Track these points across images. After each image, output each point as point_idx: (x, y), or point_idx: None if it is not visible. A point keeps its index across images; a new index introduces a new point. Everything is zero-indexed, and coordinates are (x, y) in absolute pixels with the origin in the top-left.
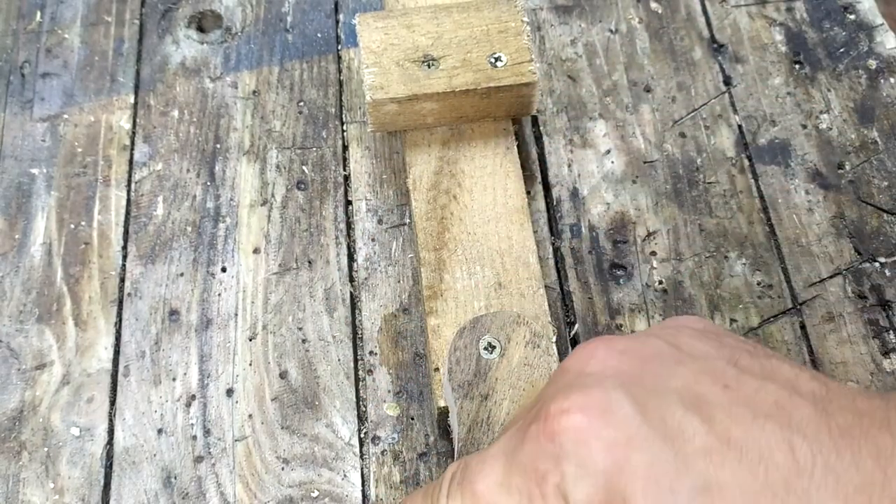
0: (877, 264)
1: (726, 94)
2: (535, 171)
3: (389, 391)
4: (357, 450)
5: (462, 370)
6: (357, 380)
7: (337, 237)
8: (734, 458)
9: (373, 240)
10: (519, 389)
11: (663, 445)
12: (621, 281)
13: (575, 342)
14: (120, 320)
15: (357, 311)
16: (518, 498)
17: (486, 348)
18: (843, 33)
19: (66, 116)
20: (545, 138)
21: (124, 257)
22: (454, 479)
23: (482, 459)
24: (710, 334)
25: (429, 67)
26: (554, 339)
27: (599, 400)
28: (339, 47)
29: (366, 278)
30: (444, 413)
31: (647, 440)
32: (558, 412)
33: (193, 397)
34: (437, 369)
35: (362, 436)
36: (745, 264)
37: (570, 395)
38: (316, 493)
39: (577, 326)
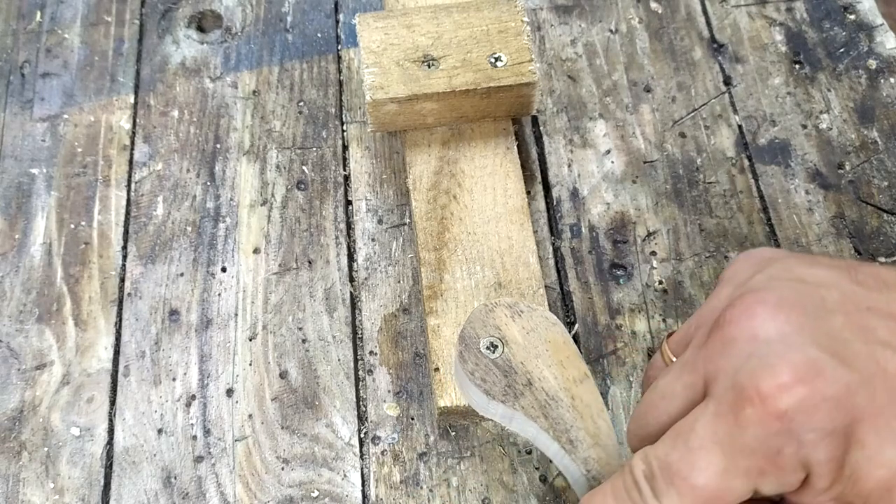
0: (877, 264)
1: (726, 94)
2: (535, 171)
3: (389, 391)
4: (357, 450)
5: (494, 382)
6: (357, 380)
7: (337, 237)
8: None
9: (373, 240)
10: (543, 353)
11: (871, 382)
12: (621, 281)
13: (575, 342)
14: (120, 320)
15: (357, 311)
16: (750, 478)
17: (488, 348)
18: (843, 33)
19: (66, 116)
20: (545, 138)
21: (124, 257)
22: (655, 479)
23: (687, 454)
24: (804, 259)
25: (429, 67)
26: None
27: (807, 365)
28: (339, 47)
29: (366, 278)
30: (444, 413)
31: (859, 384)
32: (776, 390)
33: (193, 397)
34: (437, 369)
35: (362, 436)
36: None
37: (777, 369)
38: (316, 493)
39: (576, 326)
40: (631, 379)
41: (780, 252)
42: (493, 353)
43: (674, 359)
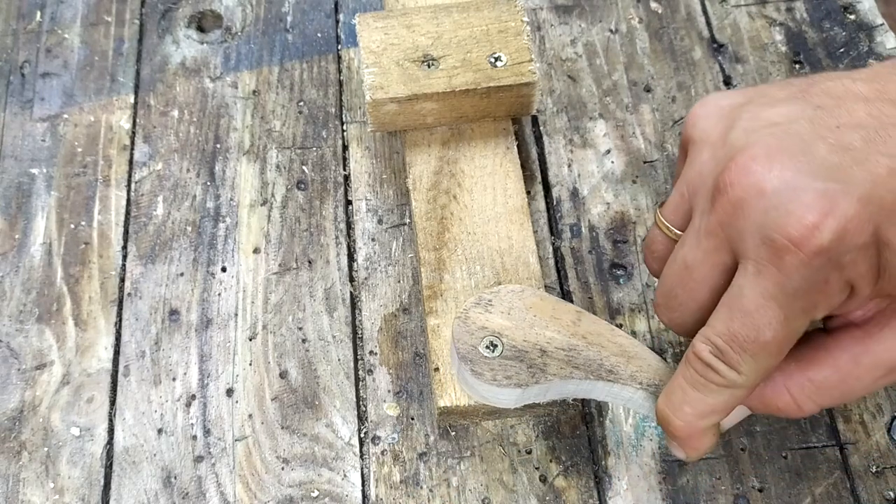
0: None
1: None
2: (535, 171)
3: (389, 391)
4: (357, 450)
5: (517, 372)
6: (357, 380)
7: (337, 237)
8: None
9: (373, 240)
10: (537, 321)
11: (875, 188)
12: (621, 281)
13: None
14: (120, 320)
15: (357, 311)
16: (808, 314)
17: (489, 349)
18: (843, 33)
19: (66, 116)
20: (545, 138)
21: (124, 257)
22: (726, 353)
23: (747, 319)
24: (763, 100)
25: (429, 67)
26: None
27: (821, 198)
28: (339, 47)
29: (366, 278)
30: (444, 413)
31: (868, 194)
32: (807, 231)
33: (193, 397)
34: (437, 369)
35: (362, 436)
36: None
37: (798, 213)
38: (316, 493)
39: None
40: None
41: (734, 96)
42: (496, 350)
43: (672, 229)
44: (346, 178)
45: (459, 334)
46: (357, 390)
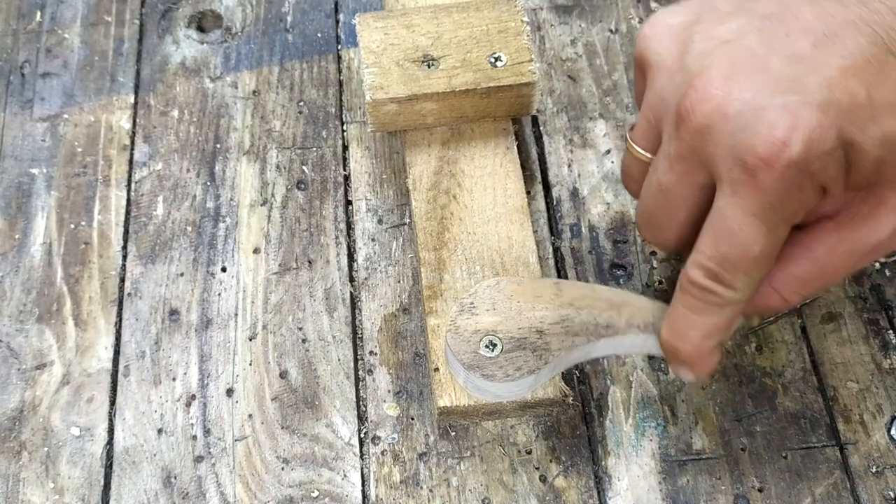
0: (877, 264)
1: None
2: (535, 171)
3: (389, 391)
4: (357, 450)
5: (525, 361)
6: (357, 380)
7: (337, 237)
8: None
9: (373, 240)
10: (523, 306)
11: (832, 90)
12: (621, 281)
13: None
14: (120, 320)
15: (357, 311)
16: (788, 222)
17: (489, 349)
18: None
19: (66, 116)
20: (545, 138)
21: (124, 257)
22: (719, 275)
23: (734, 239)
24: (712, 16)
25: (429, 67)
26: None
27: (783, 113)
28: (339, 47)
29: (366, 278)
30: (444, 413)
31: (827, 99)
32: (776, 148)
33: (193, 397)
34: (437, 369)
35: (362, 436)
36: None
37: (764, 131)
38: (316, 493)
39: None
40: (631, 378)
41: (682, 13)
42: (496, 349)
43: (644, 153)
44: (346, 178)
45: (456, 346)
46: (357, 390)
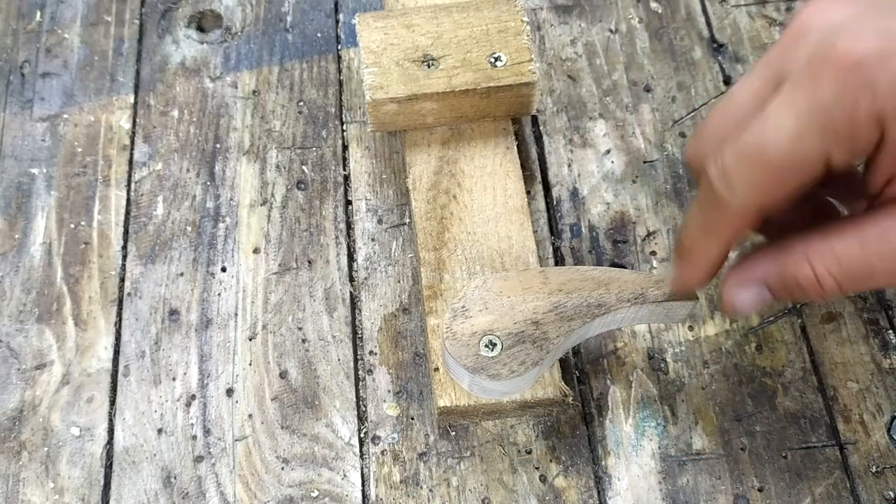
0: None
1: None
2: (534, 171)
3: (389, 391)
4: (357, 450)
5: (527, 354)
6: (357, 380)
7: (337, 237)
8: None
9: (373, 239)
10: (514, 300)
11: None
12: None
13: None
14: (120, 320)
15: (357, 311)
16: (824, 140)
17: (489, 349)
18: None
19: (66, 116)
20: (545, 138)
21: (124, 257)
22: (727, 172)
23: (759, 127)
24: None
25: (428, 67)
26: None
27: (880, 28)
28: (339, 47)
29: (366, 278)
30: (444, 413)
31: None
32: (851, 45)
33: (193, 397)
34: (436, 369)
35: (362, 436)
36: None
37: (852, 34)
38: (316, 493)
39: None
40: (631, 378)
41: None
42: (496, 347)
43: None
44: (346, 178)
45: (456, 351)
46: (357, 390)
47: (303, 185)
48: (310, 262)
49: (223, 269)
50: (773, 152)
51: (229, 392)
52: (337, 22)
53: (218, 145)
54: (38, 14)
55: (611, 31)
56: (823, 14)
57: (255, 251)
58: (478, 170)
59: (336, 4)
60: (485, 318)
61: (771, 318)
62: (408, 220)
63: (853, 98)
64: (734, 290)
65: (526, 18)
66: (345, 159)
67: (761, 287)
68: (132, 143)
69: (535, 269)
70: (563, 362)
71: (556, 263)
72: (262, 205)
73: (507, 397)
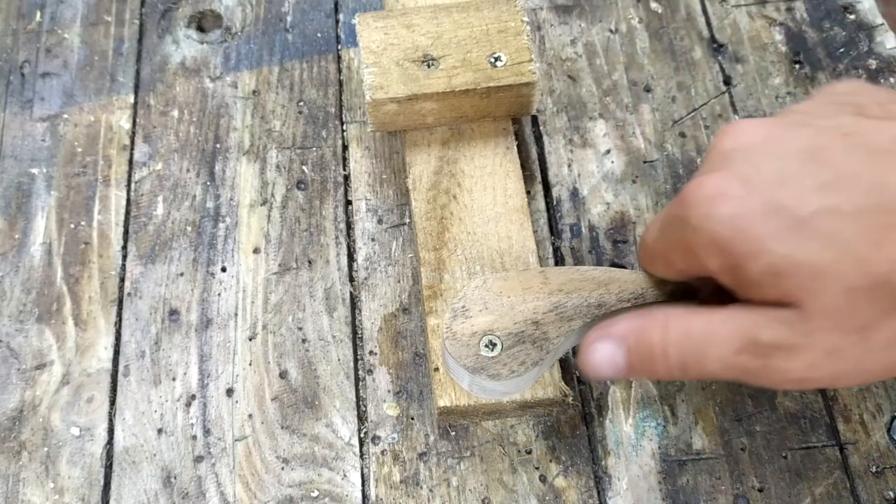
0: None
1: (726, 94)
2: (534, 171)
3: (389, 391)
4: (357, 450)
5: (527, 355)
6: (357, 380)
7: (337, 237)
8: (848, 186)
9: (373, 239)
10: (514, 300)
11: (776, 213)
12: None
13: None
14: (120, 320)
15: (357, 311)
16: (668, 249)
17: (489, 349)
18: (843, 33)
19: (66, 116)
20: (545, 138)
21: (124, 257)
22: (643, 244)
23: (650, 224)
24: (849, 93)
25: (428, 67)
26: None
27: (725, 180)
28: (339, 47)
29: (366, 278)
30: (444, 413)
31: (761, 211)
32: (695, 186)
33: (193, 397)
34: (436, 369)
35: (362, 436)
36: None
37: (704, 177)
38: (316, 493)
39: None
40: (631, 378)
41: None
42: (496, 348)
43: None
44: (346, 178)
45: (456, 351)
46: (357, 390)
47: (303, 185)
48: (310, 262)
49: (223, 269)
50: (646, 243)
51: (229, 392)
52: (337, 22)
53: (218, 145)
54: (38, 14)
55: (611, 31)
56: (725, 140)
57: (255, 251)
58: (478, 170)
59: (336, 4)
60: (485, 319)
61: None
62: (408, 220)
63: (676, 226)
64: (595, 343)
65: (526, 18)
66: (345, 159)
67: (619, 345)
68: (132, 143)
69: (536, 269)
70: (563, 362)
71: (556, 263)
72: (262, 205)
73: (507, 397)
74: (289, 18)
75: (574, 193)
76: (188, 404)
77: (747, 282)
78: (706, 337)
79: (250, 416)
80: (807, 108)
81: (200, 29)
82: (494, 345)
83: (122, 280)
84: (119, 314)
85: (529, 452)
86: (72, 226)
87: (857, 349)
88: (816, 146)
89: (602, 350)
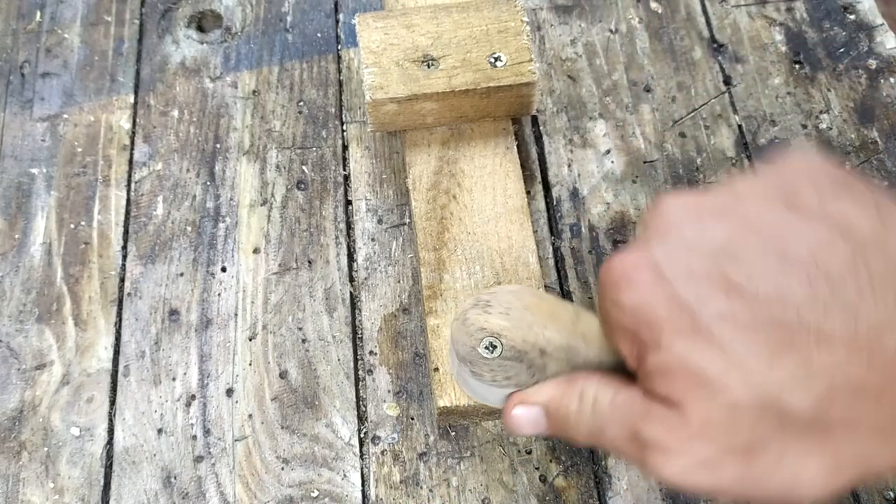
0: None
1: (726, 94)
2: (534, 171)
3: (389, 391)
4: (357, 450)
5: (517, 373)
6: (357, 380)
7: (337, 237)
8: (751, 294)
9: (373, 240)
10: (535, 320)
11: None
12: None
13: None
14: (120, 320)
15: (357, 311)
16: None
17: (488, 350)
18: (843, 33)
19: (66, 116)
20: (545, 138)
21: (124, 257)
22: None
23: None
24: (795, 176)
25: (428, 67)
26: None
27: (636, 264)
28: (339, 47)
29: (366, 278)
30: (444, 413)
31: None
32: (609, 263)
33: (193, 397)
34: (436, 369)
35: (362, 436)
36: None
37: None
38: (316, 493)
39: None
40: None
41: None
42: (495, 352)
43: None
44: (346, 178)
45: (458, 335)
46: (357, 390)
47: (303, 185)
48: (310, 263)
49: (223, 269)
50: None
51: (229, 392)
52: (337, 22)
53: (218, 145)
54: (38, 14)
55: (611, 31)
56: (651, 216)
57: (255, 251)
58: (478, 170)
59: (336, 4)
60: (500, 322)
61: None
62: (408, 220)
63: (606, 306)
64: (519, 406)
65: (526, 18)
66: (345, 159)
67: (541, 410)
68: (132, 143)
69: (573, 305)
70: None
71: (556, 263)
72: (262, 205)
73: (477, 399)
74: (289, 18)
75: (574, 193)
76: (188, 404)
77: (643, 371)
78: (605, 418)
79: (250, 416)
80: (742, 189)
81: (200, 29)
82: (495, 347)
83: (122, 280)
84: (119, 314)
85: (529, 452)
86: (72, 226)
87: (737, 467)
88: (732, 244)
89: (526, 413)
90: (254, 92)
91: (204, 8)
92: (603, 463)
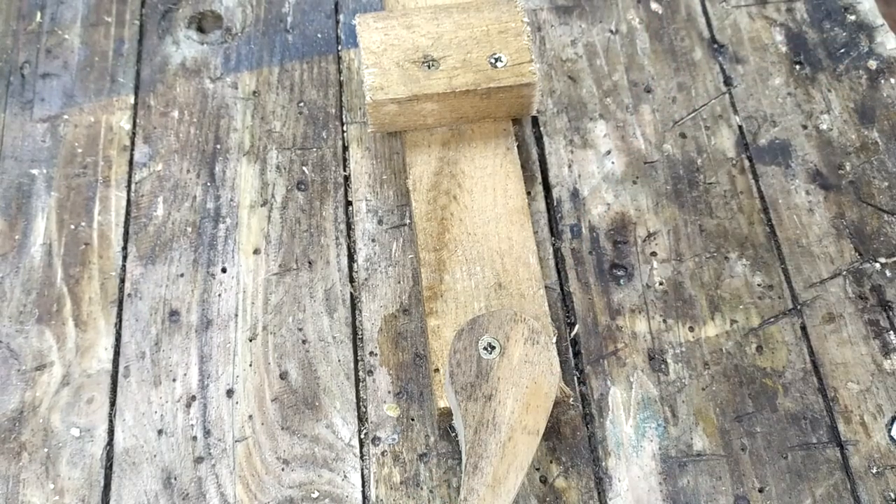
0: (877, 265)
1: (726, 95)
2: (535, 172)
3: (390, 392)
4: (357, 450)
5: (464, 372)
6: (357, 380)
7: (337, 238)
8: None
9: (373, 240)
10: (521, 387)
11: None
12: (622, 281)
13: (575, 342)
14: (120, 321)
15: (357, 312)
16: None
17: (485, 348)
18: (844, 34)
19: (66, 117)
20: (545, 139)
21: (124, 258)
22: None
23: None
24: None
25: (429, 68)
26: (554, 338)
27: None
28: (339, 48)
29: (366, 279)
30: (444, 414)
31: None
32: None
33: (193, 398)
34: (437, 370)
35: (362, 436)
36: (745, 265)
37: None
38: (316, 494)
39: (577, 327)
40: (631, 379)
41: None
42: (485, 351)
43: None
44: (347, 178)
45: (496, 316)
46: (357, 391)
47: (303, 186)
48: (310, 263)
49: (223, 270)
50: None
51: (229, 393)
52: (337, 23)
53: (218, 146)
54: (39, 15)
55: (611, 31)
56: None
57: (256, 252)
58: (478, 170)
59: (336, 5)
60: (516, 353)
61: (771, 319)
62: (408, 221)
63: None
64: None
65: (526, 19)
66: (345, 160)
67: None
68: (132, 143)
69: (542, 430)
70: (564, 363)
71: (557, 264)
72: (262, 205)
73: (439, 398)
74: (289, 19)
75: (574, 194)
76: (188, 405)
77: None
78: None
79: (250, 416)
80: None
81: (200, 30)
82: (493, 348)
83: (123, 281)
84: (119, 315)
85: None
86: (72, 226)
87: None
88: None
89: None
90: (254, 93)
91: (204, 9)
92: (603, 464)
